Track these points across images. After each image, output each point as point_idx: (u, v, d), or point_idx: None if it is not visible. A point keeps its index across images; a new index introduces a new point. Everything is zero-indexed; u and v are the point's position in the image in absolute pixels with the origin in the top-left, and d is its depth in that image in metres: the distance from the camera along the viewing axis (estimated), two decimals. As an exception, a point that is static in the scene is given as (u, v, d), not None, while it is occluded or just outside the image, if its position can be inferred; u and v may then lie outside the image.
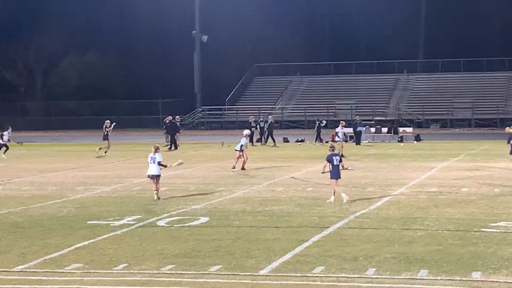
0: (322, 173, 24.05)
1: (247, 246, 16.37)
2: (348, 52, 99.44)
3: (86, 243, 16.95)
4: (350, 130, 59.24)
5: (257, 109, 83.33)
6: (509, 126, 44.14)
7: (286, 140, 59.36)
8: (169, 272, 14.12)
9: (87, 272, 14.17)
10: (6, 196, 25.88)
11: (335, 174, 23.09)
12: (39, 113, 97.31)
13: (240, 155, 34.49)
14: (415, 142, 56.75)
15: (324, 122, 59.15)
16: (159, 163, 24.38)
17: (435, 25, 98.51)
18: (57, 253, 15.84)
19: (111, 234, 18.07)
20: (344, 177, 30.47)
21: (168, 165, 25.33)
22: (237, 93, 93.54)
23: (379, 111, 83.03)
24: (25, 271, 14.34)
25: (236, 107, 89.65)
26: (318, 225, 18.99)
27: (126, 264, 14.74)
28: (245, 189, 26.85)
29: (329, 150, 23.93)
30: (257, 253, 15.61)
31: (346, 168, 24.44)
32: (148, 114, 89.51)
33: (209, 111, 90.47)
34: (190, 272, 14.02)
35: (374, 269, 14.04)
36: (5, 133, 44.22)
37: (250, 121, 57.10)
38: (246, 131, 37.77)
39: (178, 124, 56.61)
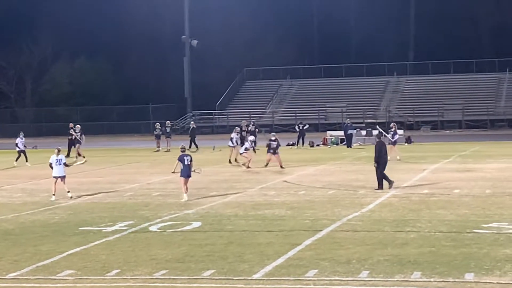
0: (172, 172, 25.89)
1: (240, 250, 16.36)
2: (338, 55, 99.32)
3: (78, 249, 16.92)
4: (341, 133, 59.28)
5: (247, 113, 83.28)
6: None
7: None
8: (162, 277, 14.11)
9: (80, 278, 14.15)
10: (-2, 203, 25.82)
11: (185, 173, 24.97)
12: (30, 119, 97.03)
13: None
14: (406, 144, 56.77)
15: (307, 125, 58.97)
16: (65, 164, 26.49)
17: (424, 27, 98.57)
18: (50, 260, 15.80)
19: (103, 240, 18.04)
20: (335, 180, 30.55)
21: (70, 164, 28.28)
22: (227, 97, 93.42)
23: (369, 114, 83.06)
24: (18, 278, 14.31)
25: (226, 112, 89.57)
26: (311, 228, 18.99)
27: (118, 270, 14.71)
28: (237, 193, 26.83)
29: (181, 151, 25.65)
30: (250, 257, 15.61)
31: (193, 171, 25.56)
32: (139, 120, 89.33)
33: (199, 115, 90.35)
34: (183, 277, 14.02)
35: (368, 272, 14.06)
36: (18, 139, 44.01)
37: (241, 125, 56.88)
38: (251, 137, 38.76)
39: (169, 130, 56.57)
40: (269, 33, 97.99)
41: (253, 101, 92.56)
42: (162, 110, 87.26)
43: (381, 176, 26.95)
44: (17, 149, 43.80)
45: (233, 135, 41.40)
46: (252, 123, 59.31)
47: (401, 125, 76.59)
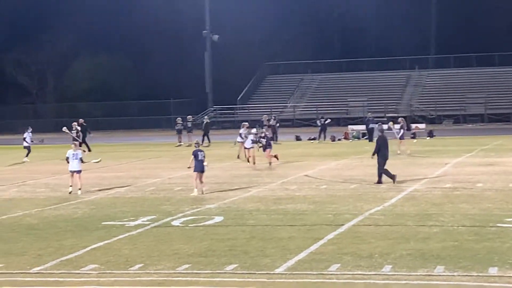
0: (188, 167, 26.27)
1: (262, 245, 16.37)
2: (359, 49, 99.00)
3: (101, 244, 16.98)
4: (362, 127, 59.11)
5: (268, 107, 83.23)
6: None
7: (298, 139, 59.25)
8: (185, 271, 14.14)
9: (103, 273, 14.21)
10: (21, 198, 25.98)
11: (198, 168, 25.36)
12: (51, 115, 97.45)
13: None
14: (428, 138, 56.57)
15: (329, 120, 58.85)
16: (81, 159, 26.81)
17: (446, 21, 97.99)
18: (73, 254, 15.88)
19: (126, 234, 18.10)
20: (357, 174, 30.46)
21: (86, 161, 28.70)
22: (248, 92, 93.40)
23: (391, 108, 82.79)
24: (42, 273, 14.39)
25: (247, 106, 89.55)
26: (333, 223, 18.97)
27: (142, 264, 14.76)
28: (259, 188, 26.84)
29: (195, 146, 26.40)
30: (272, 251, 15.60)
31: (205, 165, 26.03)
32: (160, 115, 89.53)
33: (220, 110, 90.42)
34: (205, 272, 14.03)
35: (390, 266, 14.02)
36: (26, 134, 44.13)
37: (262, 119, 57.08)
38: (253, 130, 38.43)
39: (191, 124, 56.55)
40: (289, 27, 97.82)
41: (274, 95, 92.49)
42: (183, 105, 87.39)
43: (382, 171, 26.99)
44: (24, 143, 43.87)
45: (242, 130, 41.36)
46: (273, 117, 59.33)
47: (423, 119, 76.48)
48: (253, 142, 36.81)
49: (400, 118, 46.18)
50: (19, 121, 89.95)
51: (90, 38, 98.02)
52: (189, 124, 56.68)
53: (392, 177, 26.87)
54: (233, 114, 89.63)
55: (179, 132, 55.93)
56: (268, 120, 57.24)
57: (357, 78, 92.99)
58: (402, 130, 42.80)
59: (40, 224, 20.18)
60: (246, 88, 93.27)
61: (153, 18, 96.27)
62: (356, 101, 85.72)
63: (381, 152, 27.15)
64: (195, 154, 25.52)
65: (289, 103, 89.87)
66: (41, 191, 27.92)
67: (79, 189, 26.48)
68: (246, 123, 42.94)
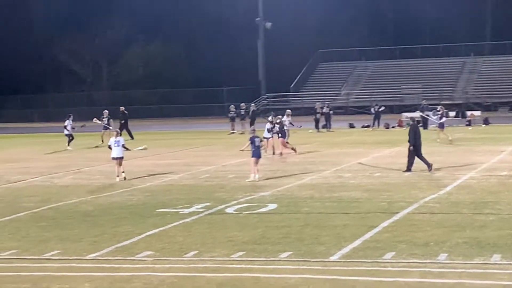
0: (241, 150, 27.54)
1: (317, 232, 16.33)
2: (413, 35, 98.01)
3: (156, 231, 17.09)
4: (416, 114, 58.57)
5: (322, 95, 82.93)
6: None
7: (352, 126, 58.99)
8: (239, 259, 14.16)
9: (159, 259, 14.30)
10: (77, 185, 26.26)
11: (256, 153, 25.88)
12: (105, 103, 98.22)
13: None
14: (484, 125, 55.93)
15: (383, 107, 58.44)
16: (123, 146, 27.21)
17: (502, 6, 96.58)
18: (128, 241, 16.00)
19: (180, 221, 18.18)
20: (406, 162, 30.17)
21: (130, 149, 28.96)
22: (301, 79, 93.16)
23: (446, 95, 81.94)
24: (98, 259, 14.53)
25: (301, 94, 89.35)
26: (387, 210, 18.86)
27: (196, 252, 14.82)
28: (313, 176, 26.77)
29: (251, 132, 27.19)
30: (326, 239, 15.56)
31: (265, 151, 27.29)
32: (213, 102, 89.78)
33: (273, 98, 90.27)
34: (260, 259, 14.04)
35: (446, 254, 13.89)
36: (67, 122, 44.46)
37: (316, 107, 56.95)
38: (269, 118, 37.83)
39: (244, 112, 56.57)
40: (342, 14, 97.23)
41: (327, 83, 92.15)
42: (236, 92, 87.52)
43: (412, 160, 26.87)
44: (65, 131, 44.21)
45: (285, 118, 41.23)
46: (326, 105, 59.09)
47: (478, 106, 75.56)
48: (269, 131, 36.06)
49: (439, 106, 45.85)
50: (73, 109, 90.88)
51: (143, 26, 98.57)
52: (242, 112, 56.77)
53: (408, 167, 26.79)
54: (286, 101, 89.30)
55: (232, 119, 56.07)
56: (322, 108, 57.06)
57: (411, 65, 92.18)
58: (443, 118, 42.49)
59: (95, 211, 20.39)
60: (300, 75, 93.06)
61: (206, 5, 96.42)
62: (410, 88, 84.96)
63: (416, 139, 27.02)
64: (252, 140, 25.98)
65: (343, 91, 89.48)
66: (96, 178, 28.20)
67: (123, 172, 27.01)
68: (289, 110, 42.91)
